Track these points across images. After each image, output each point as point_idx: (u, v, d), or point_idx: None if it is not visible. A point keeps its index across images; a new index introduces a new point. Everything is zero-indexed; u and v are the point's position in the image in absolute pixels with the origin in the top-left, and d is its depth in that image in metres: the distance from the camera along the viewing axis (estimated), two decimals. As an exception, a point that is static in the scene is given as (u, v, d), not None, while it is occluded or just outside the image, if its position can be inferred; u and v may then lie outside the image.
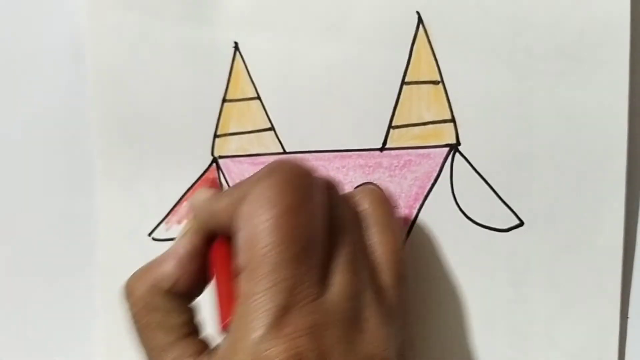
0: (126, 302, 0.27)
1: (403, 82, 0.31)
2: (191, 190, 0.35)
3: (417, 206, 0.31)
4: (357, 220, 0.27)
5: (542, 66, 0.28)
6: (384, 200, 0.28)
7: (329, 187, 0.27)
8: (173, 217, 0.35)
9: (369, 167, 0.32)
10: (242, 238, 0.24)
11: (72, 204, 0.38)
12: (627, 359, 0.29)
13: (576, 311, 0.29)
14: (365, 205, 0.28)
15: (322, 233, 0.25)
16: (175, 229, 0.35)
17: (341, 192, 0.28)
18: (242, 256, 0.24)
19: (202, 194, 0.28)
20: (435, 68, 0.30)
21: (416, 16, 0.30)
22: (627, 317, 0.29)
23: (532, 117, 0.29)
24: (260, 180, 0.25)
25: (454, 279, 0.31)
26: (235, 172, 0.34)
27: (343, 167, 0.32)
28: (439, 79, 0.30)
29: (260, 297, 0.23)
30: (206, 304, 0.28)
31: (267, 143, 0.33)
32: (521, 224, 0.30)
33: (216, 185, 0.33)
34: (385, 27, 0.31)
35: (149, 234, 0.36)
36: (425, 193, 0.31)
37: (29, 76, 0.38)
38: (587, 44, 0.28)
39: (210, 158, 0.34)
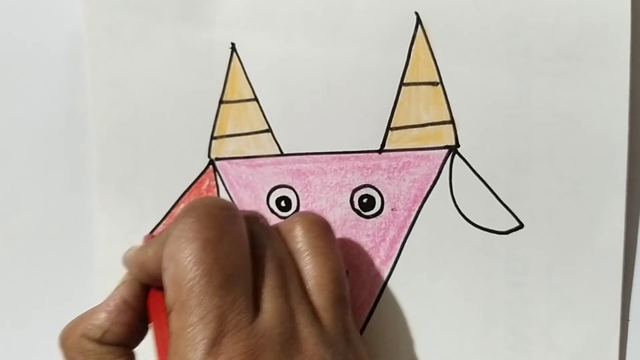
0: (61, 349, 0.28)
1: (402, 84, 0.31)
2: (188, 193, 0.35)
3: (416, 208, 0.31)
4: (291, 244, 0.28)
5: (541, 67, 0.28)
6: (317, 223, 0.29)
7: (253, 218, 0.28)
8: (170, 220, 0.35)
9: (368, 169, 0.32)
10: (168, 277, 0.24)
11: (69, 206, 0.38)
12: (627, 362, 0.29)
13: (576, 314, 0.29)
14: (297, 230, 0.28)
15: (246, 262, 0.25)
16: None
17: (269, 223, 0.29)
18: (170, 294, 0.24)
19: (131, 249, 0.29)
20: (434, 69, 0.30)
21: (415, 17, 0.30)
22: (628, 320, 0.28)
23: (531, 118, 0.29)
24: (179, 219, 0.25)
25: (453, 281, 0.31)
26: (232, 174, 0.34)
27: (341, 169, 0.32)
28: (437, 80, 0.30)
29: (191, 329, 0.23)
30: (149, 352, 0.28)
31: (265, 145, 0.33)
32: (521, 226, 0.29)
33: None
34: (383, 28, 0.31)
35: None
36: (424, 195, 0.31)
37: (26, 78, 0.38)
38: (586, 44, 0.28)
39: (207, 160, 0.34)
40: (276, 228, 0.29)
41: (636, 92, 0.28)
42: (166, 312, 0.25)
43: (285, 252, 0.28)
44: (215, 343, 0.23)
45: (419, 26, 0.30)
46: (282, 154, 0.33)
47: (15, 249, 0.39)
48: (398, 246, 0.31)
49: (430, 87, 0.30)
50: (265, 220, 0.28)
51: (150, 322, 0.28)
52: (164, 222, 0.35)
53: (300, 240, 0.28)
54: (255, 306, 0.25)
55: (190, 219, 0.25)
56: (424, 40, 0.30)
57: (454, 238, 0.30)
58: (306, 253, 0.28)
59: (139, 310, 0.28)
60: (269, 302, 0.25)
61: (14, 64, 0.38)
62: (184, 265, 0.24)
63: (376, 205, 0.32)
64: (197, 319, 0.23)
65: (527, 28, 0.28)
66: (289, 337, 0.25)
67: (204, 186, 0.35)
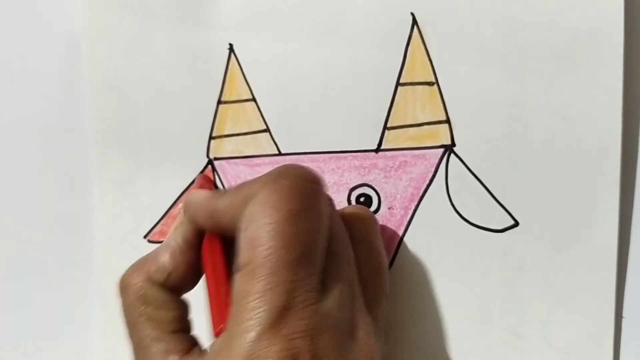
0: (120, 294, 0.28)
1: (398, 84, 0.31)
2: (187, 192, 0.35)
3: (413, 207, 0.31)
4: (347, 235, 0.28)
5: (536, 67, 0.28)
6: (371, 219, 0.29)
7: (328, 198, 0.27)
8: (169, 220, 0.35)
9: (365, 168, 0.32)
10: (245, 238, 0.24)
11: (68, 206, 0.38)
12: (622, 359, 0.29)
13: (571, 311, 0.29)
14: (352, 222, 0.28)
15: (323, 242, 0.25)
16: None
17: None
18: (243, 255, 0.24)
19: (198, 194, 0.28)
20: (430, 69, 0.30)
21: (411, 18, 0.30)
22: (622, 317, 0.29)
23: (526, 117, 0.29)
24: (267, 183, 0.25)
25: (449, 279, 0.31)
26: (231, 174, 0.34)
27: (338, 168, 0.32)
28: (433, 80, 0.30)
29: (258, 297, 0.23)
30: (199, 306, 0.28)
31: (263, 145, 0.33)
32: (516, 224, 0.30)
33: (210, 183, 0.33)
34: (380, 29, 0.31)
35: (145, 236, 0.36)
36: (420, 194, 0.31)
37: (24, 78, 0.37)
38: (580, 45, 0.28)
39: (206, 160, 0.34)
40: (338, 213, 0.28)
41: (629, 92, 0.28)
42: (224, 268, 0.25)
43: (348, 239, 0.27)
44: (279, 315, 0.23)
45: (415, 27, 0.30)
46: (280, 154, 0.33)
47: (14, 249, 0.39)
48: (395, 245, 0.32)
49: (426, 87, 0.30)
50: (334, 203, 0.28)
51: (204, 272, 0.28)
52: (163, 222, 0.35)
53: (354, 232, 0.28)
54: (321, 287, 0.24)
55: (280, 185, 0.24)
56: (420, 41, 0.30)
57: (450, 236, 0.31)
58: (360, 247, 0.28)
59: (198, 251, 0.28)
60: (335, 285, 0.25)
61: (12, 64, 0.38)
62: (264, 232, 0.24)
63: (373, 204, 0.32)
64: (265, 288, 0.23)
65: (522, 29, 0.28)
66: (347, 323, 0.24)
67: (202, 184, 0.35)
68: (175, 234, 0.28)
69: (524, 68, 0.29)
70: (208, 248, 0.27)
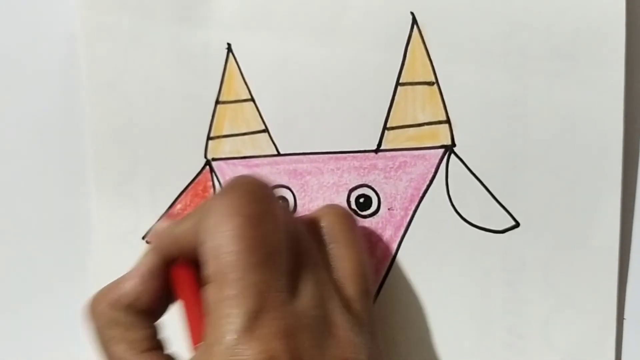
0: (89, 318, 0.28)
1: (398, 83, 0.31)
2: (185, 193, 0.35)
3: (413, 208, 0.31)
4: (317, 236, 0.28)
5: (536, 66, 0.28)
6: (345, 216, 0.29)
7: (284, 204, 0.28)
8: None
9: (364, 168, 0.32)
10: (208, 249, 0.24)
11: (66, 206, 0.38)
12: (623, 360, 0.29)
13: (572, 312, 0.29)
14: (325, 222, 0.29)
15: (284, 242, 0.25)
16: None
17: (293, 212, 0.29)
18: (209, 266, 0.24)
19: (161, 224, 0.29)
20: (430, 69, 0.30)
21: (410, 17, 0.30)
22: (624, 319, 0.29)
23: (527, 117, 0.29)
24: (221, 194, 0.25)
25: (450, 280, 0.31)
26: (229, 175, 0.34)
27: (338, 169, 0.32)
28: (433, 80, 0.30)
29: (230, 302, 0.23)
30: (174, 325, 0.28)
31: (261, 145, 0.33)
32: (517, 225, 0.29)
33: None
34: (379, 28, 0.31)
35: (143, 237, 0.36)
36: (420, 195, 0.31)
37: (22, 79, 0.37)
38: (582, 44, 0.28)
39: (204, 160, 0.34)
40: (300, 220, 0.29)
41: (631, 91, 0.28)
42: (198, 286, 0.25)
43: (319, 241, 0.28)
44: (253, 317, 0.23)
45: (415, 26, 0.30)
46: (279, 154, 0.33)
47: (11, 250, 0.39)
48: (395, 246, 0.31)
49: (426, 86, 0.30)
50: (289, 207, 0.29)
51: (176, 299, 0.28)
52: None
53: (327, 232, 0.28)
54: (291, 288, 0.25)
55: (234, 194, 0.25)
56: (420, 40, 0.30)
57: (450, 237, 0.30)
58: (332, 245, 0.28)
59: (164, 281, 0.28)
60: (304, 285, 0.25)
61: (10, 65, 0.38)
62: (225, 239, 0.24)
63: (373, 205, 0.32)
64: (236, 292, 0.23)
65: (522, 28, 0.28)
66: (323, 322, 0.25)
67: (201, 187, 0.35)
68: (140, 264, 0.28)
69: (525, 67, 0.28)
70: (179, 274, 0.28)
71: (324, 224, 0.29)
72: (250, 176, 0.27)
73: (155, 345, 0.28)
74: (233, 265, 0.23)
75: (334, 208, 0.30)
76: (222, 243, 0.24)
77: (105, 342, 0.27)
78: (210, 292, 0.24)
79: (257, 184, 0.26)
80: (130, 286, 0.28)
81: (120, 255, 0.36)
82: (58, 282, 0.38)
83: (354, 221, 0.30)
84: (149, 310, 0.28)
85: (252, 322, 0.23)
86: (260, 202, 0.25)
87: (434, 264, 0.31)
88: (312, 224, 0.29)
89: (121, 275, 0.28)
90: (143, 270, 0.28)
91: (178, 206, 0.35)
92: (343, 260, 0.28)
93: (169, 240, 0.28)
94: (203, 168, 0.34)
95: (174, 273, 0.28)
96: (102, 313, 0.28)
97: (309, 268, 0.26)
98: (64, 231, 0.38)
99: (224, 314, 0.23)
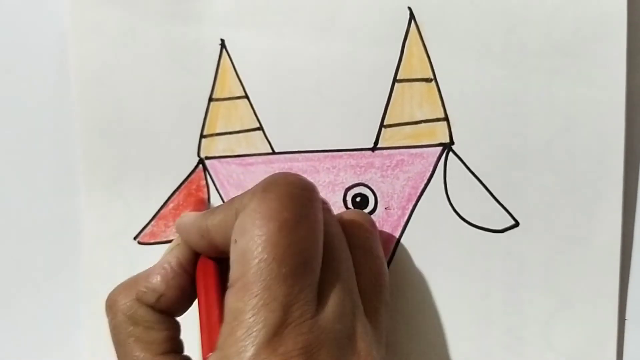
0: (108, 313, 0.27)
1: (395, 80, 0.30)
2: (177, 193, 0.34)
3: (410, 207, 0.31)
4: (346, 241, 0.27)
5: (536, 63, 0.28)
6: (370, 224, 0.28)
7: (324, 204, 0.26)
8: (159, 221, 0.35)
9: (361, 167, 0.31)
10: (236, 252, 0.23)
11: (56, 207, 0.37)
12: (624, 361, 0.29)
13: (573, 313, 0.29)
14: (350, 228, 0.28)
15: (319, 250, 0.24)
16: (162, 232, 0.35)
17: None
18: (234, 270, 0.23)
19: (189, 215, 0.28)
20: (428, 65, 0.30)
21: (408, 12, 0.30)
22: (625, 320, 0.28)
23: (526, 115, 0.28)
24: (257, 194, 0.24)
25: (448, 280, 0.30)
26: (223, 174, 0.34)
27: (334, 167, 0.32)
28: (431, 77, 0.30)
29: (252, 314, 0.22)
30: (190, 326, 0.27)
31: (256, 143, 0.33)
32: (516, 224, 0.29)
33: (204, 205, 0.33)
34: (376, 24, 0.30)
35: (135, 238, 0.36)
36: (418, 193, 0.31)
37: (11, 77, 0.37)
38: (582, 40, 0.27)
39: (197, 159, 0.34)
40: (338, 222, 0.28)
41: (633, 88, 0.27)
42: (220, 285, 0.25)
43: (347, 246, 0.27)
44: (275, 333, 0.22)
45: (412, 22, 0.30)
46: (273, 153, 0.32)
47: (1, 250, 0.38)
48: (392, 246, 0.31)
49: (423, 83, 0.30)
50: (331, 207, 0.27)
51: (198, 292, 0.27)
52: (153, 223, 0.35)
53: (355, 237, 0.27)
54: (318, 298, 0.24)
55: (271, 194, 0.24)
56: (417, 36, 0.30)
57: (448, 237, 0.30)
58: (359, 252, 0.27)
59: (192, 275, 0.27)
60: (333, 295, 0.24)
61: (0, 64, 0.37)
62: (258, 244, 0.23)
63: (370, 204, 0.31)
64: (259, 304, 0.22)
65: (522, 24, 0.28)
66: (346, 335, 0.24)
67: (194, 186, 0.34)
68: (170, 256, 0.27)
69: (525, 64, 0.28)
70: (202, 271, 0.27)
71: (348, 229, 0.27)
72: (292, 175, 0.25)
73: (174, 347, 0.27)
74: (260, 273, 0.22)
75: (360, 215, 0.29)
76: (252, 248, 0.23)
77: (121, 340, 0.27)
78: (233, 298, 0.23)
79: (297, 184, 0.25)
80: (155, 283, 0.27)
81: (112, 256, 0.36)
82: (48, 283, 0.38)
83: (377, 228, 0.29)
84: (173, 308, 0.27)
85: (274, 337, 0.22)
86: (298, 206, 0.24)
87: (432, 265, 0.31)
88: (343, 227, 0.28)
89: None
90: (173, 264, 0.27)
91: (170, 206, 0.35)
92: (366, 269, 0.27)
93: (198, 233, 0.27)
94: (196, 167, 0.34)
95: (198, 268, 0.27)
96: (123, 310, 0.27)
97: (340, 276, 0.25)
98: (54, 231, 0.38)
99: (244, 326, 0.22)
